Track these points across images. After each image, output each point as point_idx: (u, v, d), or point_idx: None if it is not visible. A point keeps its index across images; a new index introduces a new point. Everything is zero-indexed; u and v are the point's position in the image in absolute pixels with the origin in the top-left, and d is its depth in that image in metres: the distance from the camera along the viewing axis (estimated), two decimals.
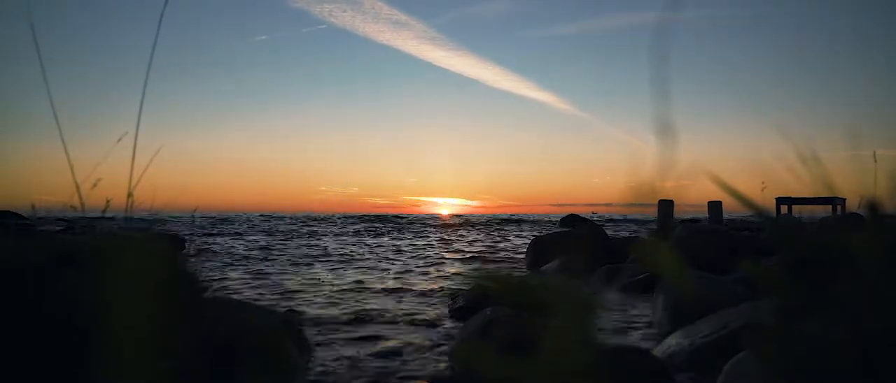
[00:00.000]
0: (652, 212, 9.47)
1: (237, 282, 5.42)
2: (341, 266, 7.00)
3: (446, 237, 14.10)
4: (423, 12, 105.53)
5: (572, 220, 18.72)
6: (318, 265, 7.07)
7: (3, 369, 1.00)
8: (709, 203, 11.67)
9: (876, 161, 1.35)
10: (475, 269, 2.34)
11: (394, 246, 10.78)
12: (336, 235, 14.22)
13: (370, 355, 2.75)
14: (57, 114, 1.35)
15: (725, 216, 11.66)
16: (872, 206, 0.65)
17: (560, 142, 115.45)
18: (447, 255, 8.89)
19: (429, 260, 8.03)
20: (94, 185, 1.31)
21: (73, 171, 1.28)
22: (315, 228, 17.85)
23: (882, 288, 0.59)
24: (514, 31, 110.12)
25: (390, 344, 2.97)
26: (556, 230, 13.65)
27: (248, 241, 11.44)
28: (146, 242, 0.76)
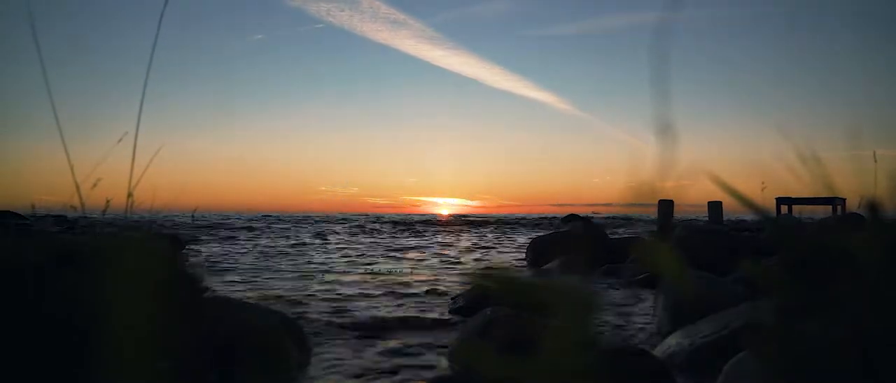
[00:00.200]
0: (652, 212, 9.47)
1: (237, 282, 5.42)
2: (341, 266, 7.01)
3: (446, 237, 14.10)
4: (422, 11, 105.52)
5: (575, 220, 18.72)
6: (318, 265, 7.08)
7: (4, 369, 1.00)
8: (709, 203, 11.66)
9: (876, 161, 1.36)
10: (475, 269, 2.34)
11: (394, 245, 10.78)
12: (336, 235, 14.22)
13: (370, 355, 2.75)
14: (57, 114, 1.36)
15: (725, 217, 11.67)
16: (872, 206, 0.65)
17: (560, 142, 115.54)
18: (447, 255, 8.89)
19: (429, 260, 8.04)
20: (94, 185, 1.32)
21: (73, 171, 1.28)
22: (315, 228, 17.86)
23: (882, 288, 0.59)
24: (514, 30, 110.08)
25: (390, 344, 2.97)
26: (559, 229, 13.65)
27: (248, 241, 11.44)
28: (146, 242, 0.76)
